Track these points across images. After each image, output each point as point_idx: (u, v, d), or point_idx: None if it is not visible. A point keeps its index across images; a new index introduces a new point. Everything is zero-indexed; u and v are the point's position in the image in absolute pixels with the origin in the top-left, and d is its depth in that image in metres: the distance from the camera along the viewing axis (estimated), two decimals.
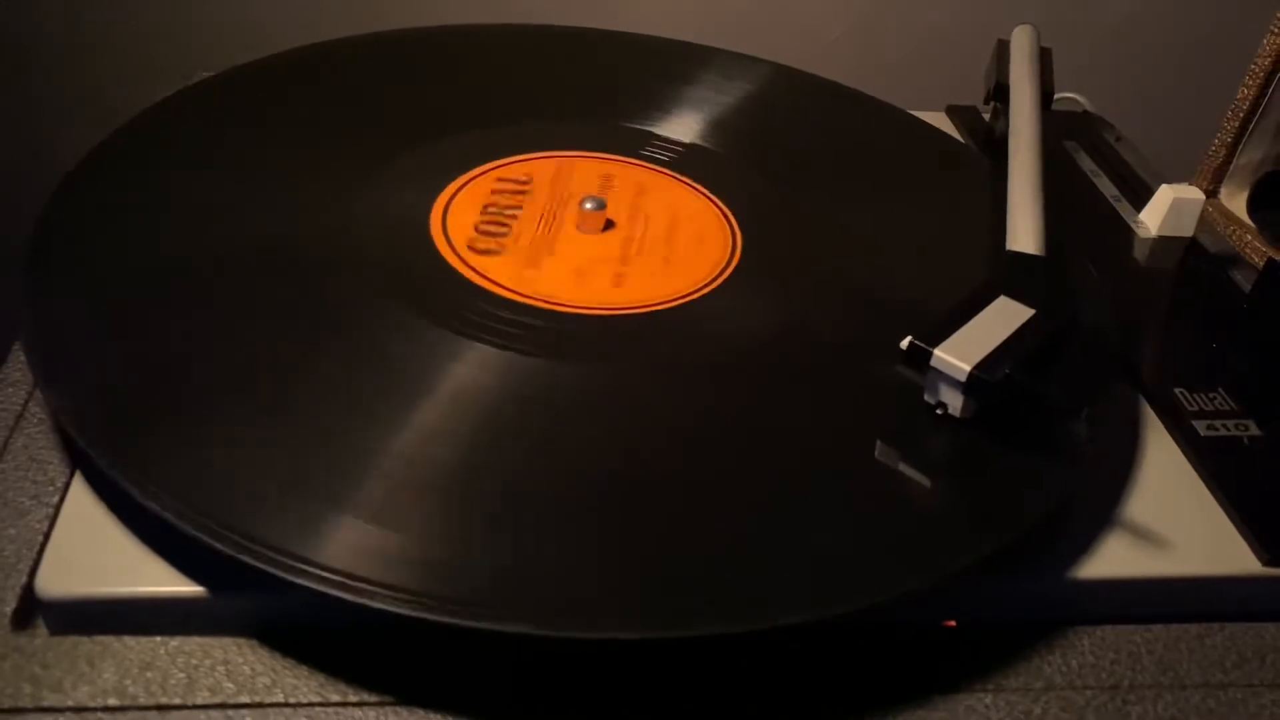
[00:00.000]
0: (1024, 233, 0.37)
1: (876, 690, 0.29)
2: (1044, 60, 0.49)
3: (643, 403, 0.33)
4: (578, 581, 0.27)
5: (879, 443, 0.31)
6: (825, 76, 0.51)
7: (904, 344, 0.31)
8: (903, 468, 0.31)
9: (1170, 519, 0.32)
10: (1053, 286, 0.35)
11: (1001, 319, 0.32)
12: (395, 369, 0.32)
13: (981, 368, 0.30)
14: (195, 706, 0.27)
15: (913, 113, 0.50)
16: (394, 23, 0.51)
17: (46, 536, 0.30)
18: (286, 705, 0.27)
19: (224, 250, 0.36)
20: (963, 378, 0.31)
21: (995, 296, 0.33)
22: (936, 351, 0.31)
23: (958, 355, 0.31)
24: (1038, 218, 0.38)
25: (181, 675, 0.27)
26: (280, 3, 0.69)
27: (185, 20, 0.69)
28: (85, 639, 0.28)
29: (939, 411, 0.32)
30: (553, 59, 0.50)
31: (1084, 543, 0.31)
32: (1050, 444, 0.32)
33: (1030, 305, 0.33)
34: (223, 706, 0.27)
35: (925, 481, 0.31)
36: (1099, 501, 0.33)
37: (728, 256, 0.39)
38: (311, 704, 0.27)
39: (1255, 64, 0.47)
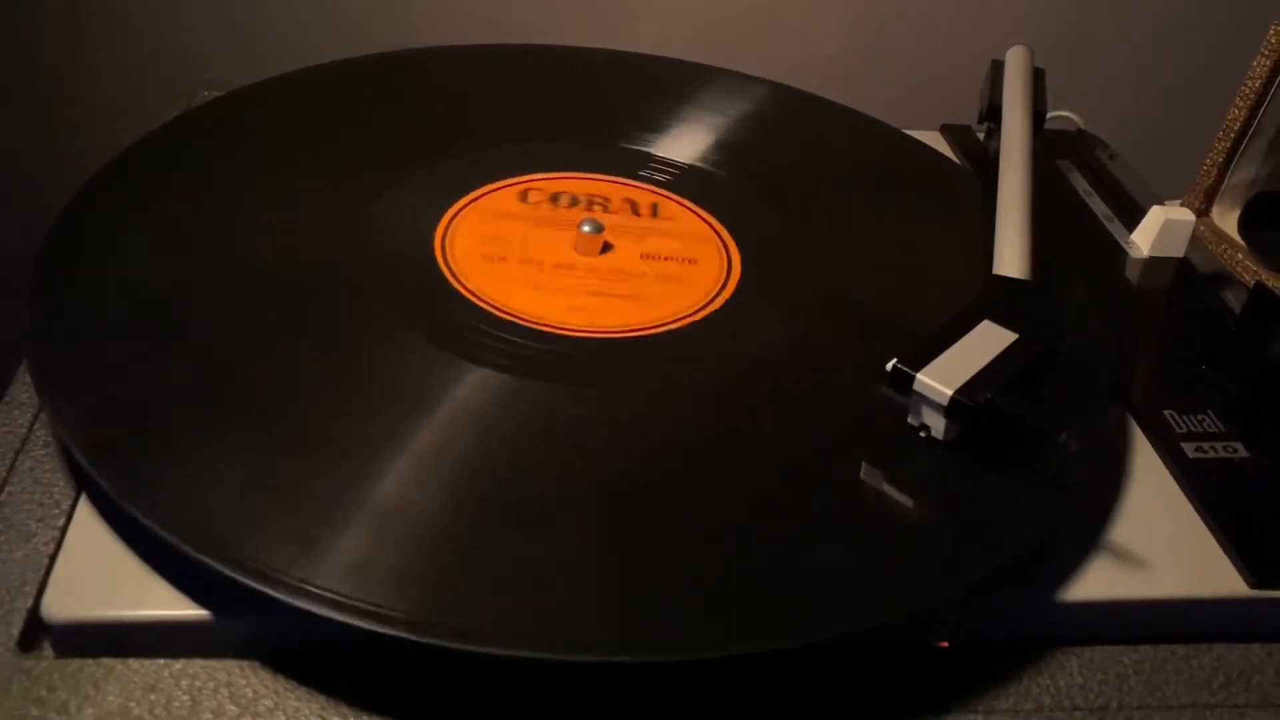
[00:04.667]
0: (1009, 257, 0.38)
1: (867, 711, 0.29)
2: (1037, 81, 0.49)
3: (638, 424, 0.33)
4: (576, 605, 0.28)
5: (865, 465, 0.32)
6: (821, 95, 0.51)
7: (889, 367, 0.32)
8: (891, 491, 0.31)
9: (1158, 541, 0.33)
10: (1037, 311, 0.35)
11: (985, 343, 0.33)
12: (397, 391, 0.33)
13: (963, 392, 0.31)
14: None
15: (907, 132, 0.50)
16: (394, 44, 0.51)
17: (52, 559, 0.30)
18: None
19: (229, 273, 0.37)
20: (944, 402, 0.31)
21: (979, 321, 0.34)
22: (919, 375, 0.31)
23: (940, 379, 0.31)
24: (1024, 242, 0.39)
25: (185, 697, 0.28)
26: (283, 24, 0.69)
27: (189, 42, 0.70)
28: (90, 661, 0.28)
29: (922, 434, 0.32)
30: (551, 79, 0.51)
31: (1073, 564, 0.32)
32: (1037, 468, 0.32)
33: (1014, 329, 0.33)
34: None
35: (912, 505, 0.31)
36: (1088, 523, 0.33)
37: (724, 278, 0.40)
38: None
39: (1246, 85, 0.47)
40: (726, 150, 0.47)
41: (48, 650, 0.29)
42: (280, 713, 0.28)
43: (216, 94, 0.47)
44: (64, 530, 0.31)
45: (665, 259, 0.40)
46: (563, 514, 0.30)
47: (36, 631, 0.29)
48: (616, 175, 0.45)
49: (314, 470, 0.30)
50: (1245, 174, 0.49)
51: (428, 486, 0.30)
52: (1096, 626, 0.31)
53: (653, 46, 0.54)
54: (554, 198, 0.43)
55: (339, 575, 0.27)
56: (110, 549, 0.30)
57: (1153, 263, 0.46)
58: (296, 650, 0.29)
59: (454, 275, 0.38)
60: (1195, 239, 0.47)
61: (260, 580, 0.27)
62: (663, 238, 0.41)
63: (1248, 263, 0.47)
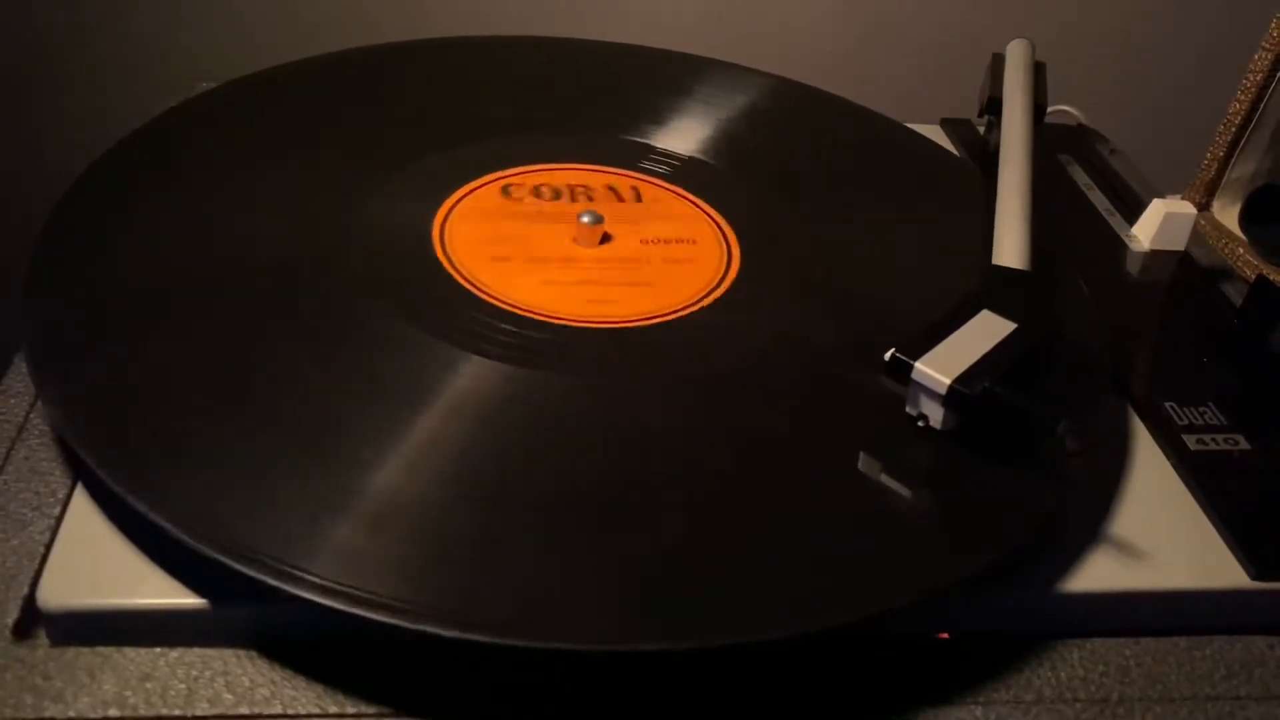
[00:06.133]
0: (1009, 247, 0.38)
1: (867, 702, 0.29)
2: (1038, 75, 0.49)
3: (637, 415, 0.33)
4: (572, 594, 0.28)
5: (863, 456, 0.32)
6: (821, 88, 0.51)
7: (887, 356, 0.32)
8: (890, 482, 0.31)
9: (1160, 533, 0.33)
10: (1036, 301, 0.35)
11: (983, 333, 0.33)
12: (394, 380, 0.33)
13: (961, 381, 0.31)
14: (195, 718, 0.27)
15: (908, 125, 0.50)
16: (392, 35, 0.51)
17: (48, 548, 0.30)
18: (285, 716, 0.27)
19: (224, 263, 0.37)
20: (942, 391, 0.31)
21: (978, 310, 0.34)
22: (917, 364, 0.31)
23: (938, 368, 0.31)
24: (1023, 232, 0.38)
25: (181, 686, 0.28)
26: (280, 16, 0.69)
27: (185, 33, 0.69)
28: (86, 650, 0.28)
29: (920, 424, 0.32)
30: (551, 71, 0.51)
31: (1074, 556, 0.32)
32: (1037, 459, 0.32)
33: (1012, 319, 0.33)
34: (222, 717, 0.27)
35: (910, 496, 0.31)
36: (1089, 515, 0.33)
37: (724, 269, 0.39)
38: (310, 715, 0.28)
39: (1247, 78, 0.47)
40: (726, 142, 0.47)
41: (43, 639, 0.29)
42: (277, 702, 0.28)
43: (212, 85, 0.47)
44: (59, 519, 0.31)
45: (665, 250, 0.40)
46: (563, 504, 0.30)
47: (32, 620, 0.29)
48: (617, 167, 0.45)
49: (312, 459, 0.30)
50: (1246, 168, 0.49)
51: (427, 477, 0.30)
52: (1097, 618, 0.31)
53: (652, 39, 0.53)
54: (553, 191, 0.43)
55: (336, 564, 0.27)
56: (106, 537, 0.30)
57: (1153, 256, 0.46)
58: (294, 640, 0.29)
59: (453, 266, 0.38)
60: (1196, 233, 0.47)
61: (257, 569, 0.27)
62: (663, 229, 0.41)
63: (1248, 256, 0.47)
